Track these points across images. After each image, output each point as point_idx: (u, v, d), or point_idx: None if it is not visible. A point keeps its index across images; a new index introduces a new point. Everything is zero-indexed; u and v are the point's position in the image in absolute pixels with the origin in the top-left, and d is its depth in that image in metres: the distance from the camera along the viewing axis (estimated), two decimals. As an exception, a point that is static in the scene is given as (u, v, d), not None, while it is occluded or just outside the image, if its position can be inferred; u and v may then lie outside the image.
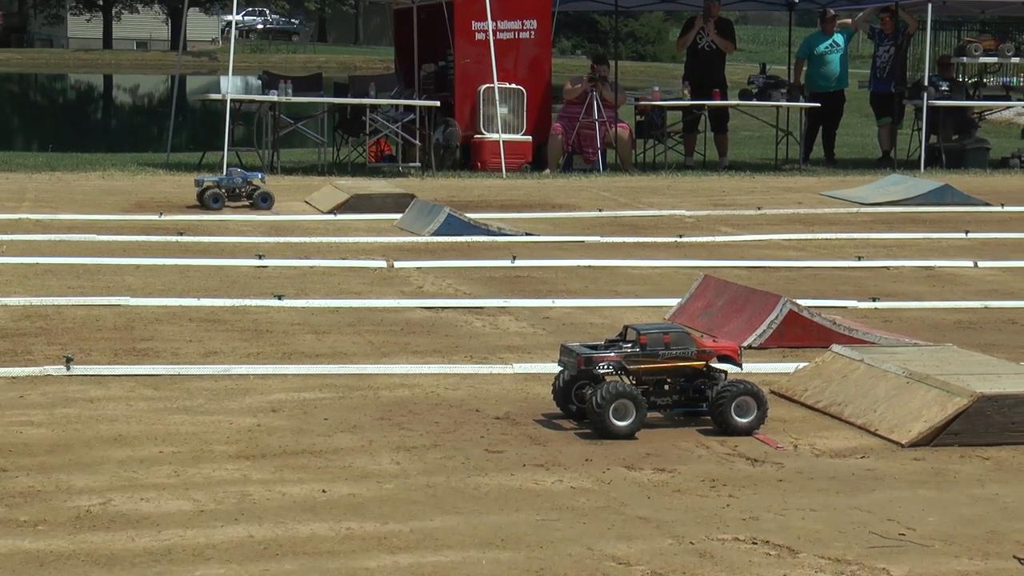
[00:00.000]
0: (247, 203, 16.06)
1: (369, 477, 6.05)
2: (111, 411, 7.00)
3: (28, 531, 5.28)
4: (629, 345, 7.10)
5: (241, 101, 21.70)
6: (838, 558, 5.13)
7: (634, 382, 7.02)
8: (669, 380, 7.16)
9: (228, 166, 18.34)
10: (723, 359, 7.34)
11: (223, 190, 15.99)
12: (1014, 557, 5.20)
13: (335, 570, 4.91)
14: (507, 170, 20.91)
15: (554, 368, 7.60)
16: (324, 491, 5.83)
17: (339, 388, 7.63)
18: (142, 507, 5.58)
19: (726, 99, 23.33)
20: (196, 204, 16.04)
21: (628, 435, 6.77)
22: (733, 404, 6.97)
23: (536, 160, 21.78)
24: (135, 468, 6.04)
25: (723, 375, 7.19)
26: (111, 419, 6.85)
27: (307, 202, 16.55)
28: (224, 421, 6.91)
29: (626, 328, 7.30)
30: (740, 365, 7.41)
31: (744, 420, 6.98)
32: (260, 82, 22.85)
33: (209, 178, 16.55)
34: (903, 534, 5.43)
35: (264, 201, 15.90)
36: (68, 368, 7.78)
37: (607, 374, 6.96)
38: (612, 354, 7.02)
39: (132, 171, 20.48)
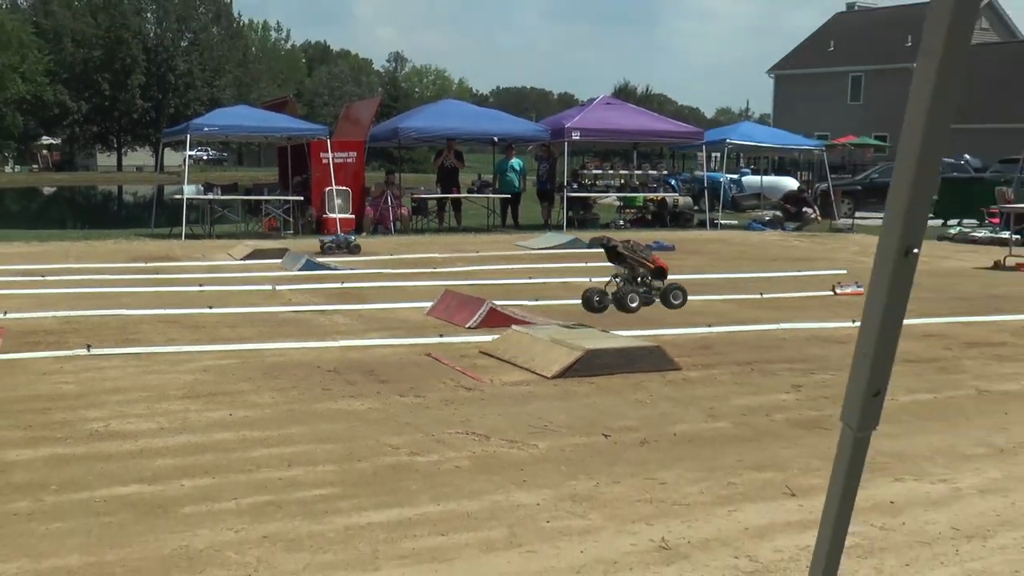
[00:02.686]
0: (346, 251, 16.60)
1: (258, 406, 5.95)
2: (112, 374, 6.77)
3: (60, 442, 5.12)
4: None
5: (193, 199, 21.16)
6: (511, 439, 5.20)
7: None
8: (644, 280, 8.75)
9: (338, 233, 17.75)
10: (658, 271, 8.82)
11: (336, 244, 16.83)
12: (603, 434, 5.32)
13: (236, 459, 4.84)
14: (342, 234, 20.77)
15: (367, 342, 7.58)
16: (231, 415, 5.72)
17: (242, 357, 7.45)
18: (127, 427, 5.43)
19: (460, 193, 23.52)
20: (164, 256, 15.65)
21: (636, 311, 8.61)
22: (671, 293, 8.68)
23: (357, 227, 21.65)
24: (125, 405, 5.87)
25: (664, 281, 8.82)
26: (113, 379, 6.63)
27: (228, 254, 16.17)
28: (176, 378, 6.72)
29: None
30: (666, 274, 8.91)
31: (677, 302, 8.79)
32: (203, 188, 22.34)
33: (327, 239, 17.28)
34: (546, 425, 5.52)
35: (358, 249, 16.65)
36: (88, 351, 7.51)
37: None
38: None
39: (131, 239, 19.81)
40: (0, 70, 69.13)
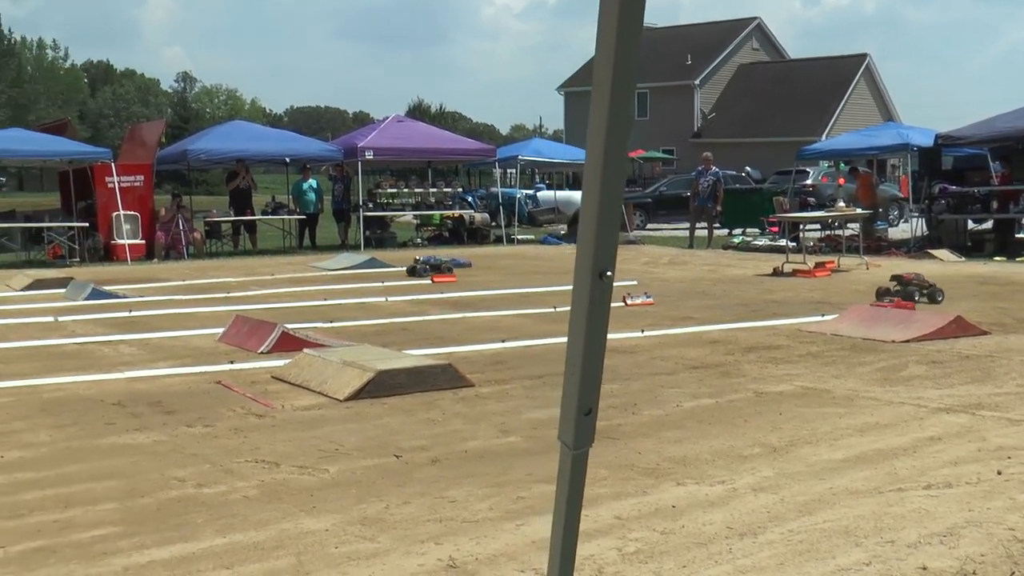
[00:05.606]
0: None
1: (32, 446, 5.66)
2: None
3: None
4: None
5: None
6: (301, 465, 5.14)
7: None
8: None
9: None
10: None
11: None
12: (394, 455, 5.32)
13: (5, 504, 4.58)
14: (132, 260, 20.07)
15: (155, 372, 7.35)
16: (2, 456, 5.43)
17: (17, 394, 7.08)
18: None
19: (254, 215, 23.11)
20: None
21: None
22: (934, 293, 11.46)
23: (148, 253, 20.98)
24: None
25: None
26: None
27: (7, 285, 15.32)
28: (-57, 420, 6.35)
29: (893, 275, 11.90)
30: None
31: (939, 301, 11.43)
32: (-24, 216, 21.23)
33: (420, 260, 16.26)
34: (337, 448, 5.48)
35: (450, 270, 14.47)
36: None
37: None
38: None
39: None
40: None
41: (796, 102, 52.66)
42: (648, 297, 12.16)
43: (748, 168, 38.15)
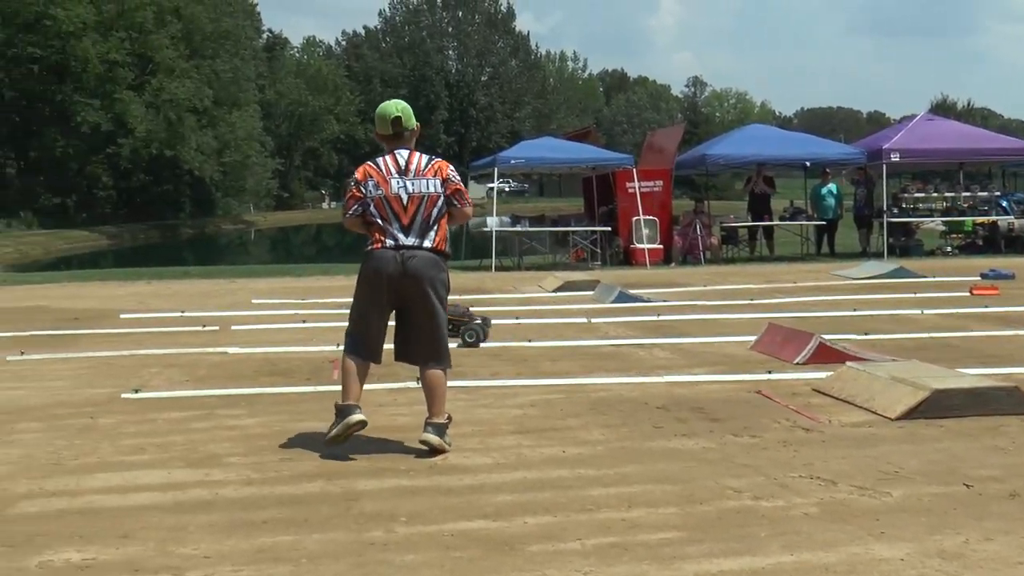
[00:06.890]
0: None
1: (588, 443, 5.99)
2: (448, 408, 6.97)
3: (404, 474, 5.36)
4: None
5: (500, 231, 21.91)
6: (860, 486, 4.98)
7: None
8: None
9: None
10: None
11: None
12: (963, 484, 5.00)
13: (573, 497, 4.87)
14: (650, 264, 20.86)
15: (692, 378, 7.53)
16: (563, 451, 5.79)
17: (567, 392, 7.57)
18: (464, 461, 5.61)
19: (772, 221, 23.09)
20: (477, 289, 16.21)
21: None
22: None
23: (666, 258, 21.71)
24: (458, 439, 6.04)
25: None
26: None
27: (539, 286, 16.55)
28: (504, 412, 6.91)
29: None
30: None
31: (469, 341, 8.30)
32: (510, 220, 23.07)
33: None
34: (897, 471, 5.25)
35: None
36: (417, 383, 7.68)
37: None
38: None
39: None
40: (318, 112, 74.74)
41: None
42: None
43: None
